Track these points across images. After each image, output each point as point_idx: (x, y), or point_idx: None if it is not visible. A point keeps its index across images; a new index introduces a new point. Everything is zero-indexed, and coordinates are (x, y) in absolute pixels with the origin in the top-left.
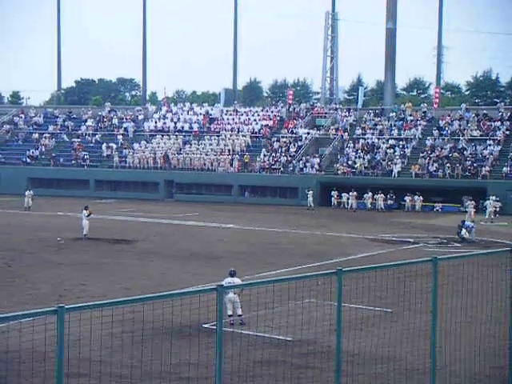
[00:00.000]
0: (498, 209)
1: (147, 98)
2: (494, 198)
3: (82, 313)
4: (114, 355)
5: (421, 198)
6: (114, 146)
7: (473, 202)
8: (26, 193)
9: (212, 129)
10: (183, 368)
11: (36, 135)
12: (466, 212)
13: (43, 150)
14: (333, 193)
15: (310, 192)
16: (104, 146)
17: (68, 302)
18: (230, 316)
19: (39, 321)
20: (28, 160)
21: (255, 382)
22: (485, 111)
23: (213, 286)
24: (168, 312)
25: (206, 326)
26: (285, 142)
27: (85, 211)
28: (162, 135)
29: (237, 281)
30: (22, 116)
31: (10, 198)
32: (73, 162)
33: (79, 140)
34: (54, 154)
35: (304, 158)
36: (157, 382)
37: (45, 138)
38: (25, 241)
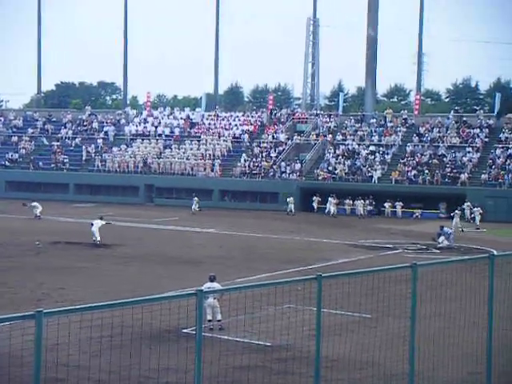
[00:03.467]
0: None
1: (128, 102)
2: (468, 204)
3: (60, 317)
4: (93, 360)
5: (401, 203)
6: (94, 149)
7: (459, 211)
8: (33, 204)
9: (193, 133)
10: (162, 373)
11: (15, 138)
12: (452, 218)
13: (22, 153)
14: (314, 198)
15: (291, 198)
16: (84, 149)
17: (46, 306)
18: (209, 321)
19: (17, 325)
20: (7, 163)
21: None
22: (464, 118)
23: (192, 290)
24: (147, 317)
25: (185, 330)
26: (265, 148)
27: (99, 221)
28: (143, 139)
29: (216, 286)
30: (1, 119)
31: None
32: (52, 165)
33: (59, 143)
34: (33, 158)
35: (284, 163)
36: None
37: (24, 141)
38: (2, 244)
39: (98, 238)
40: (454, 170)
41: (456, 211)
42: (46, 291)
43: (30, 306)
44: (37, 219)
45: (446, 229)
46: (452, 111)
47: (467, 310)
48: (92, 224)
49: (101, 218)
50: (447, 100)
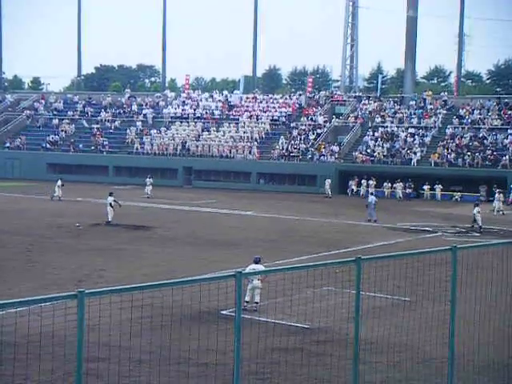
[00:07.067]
0: None
1: (166, 84)
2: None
3: (101, 298)
4: (133, 340)
5: (440, 186)
6: (134, 132)
7: (501, 194)
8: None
9: (231, 116)
10: (201, 354)
11: (56, 121)
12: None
13: (63, 135)
14: (350, 182)
15: (328, 180)
16: (127, 131)
17: (87, 287)
18: (246, 302)
19: (59, 305)
20: (48, 145)
21: (272, 369)
22: (506, 100)
23: (232, 272)
24: (187, 298)
25: (224, 312)
26: (304, 130)
27: (110, 197)
28: (181, 122)
29: (260, 268)
30: (42, 102)
31: (30, 183)
32: (92, 147)
33: (98, 126)
34: (73, 140)
35: (323, 146)
36: (175, 368)
37: (64, 123)
38: (44, 226)
39: (109, 219)
40: (495, 153)
41: (496, 194)
42: (86, 272)
43: (71, 287)
44: (55, 200)
45: (371, 197)
46: None
47: (508, 294)
48: (110, 204)
49: (110, 194)
50: (488, 81)
